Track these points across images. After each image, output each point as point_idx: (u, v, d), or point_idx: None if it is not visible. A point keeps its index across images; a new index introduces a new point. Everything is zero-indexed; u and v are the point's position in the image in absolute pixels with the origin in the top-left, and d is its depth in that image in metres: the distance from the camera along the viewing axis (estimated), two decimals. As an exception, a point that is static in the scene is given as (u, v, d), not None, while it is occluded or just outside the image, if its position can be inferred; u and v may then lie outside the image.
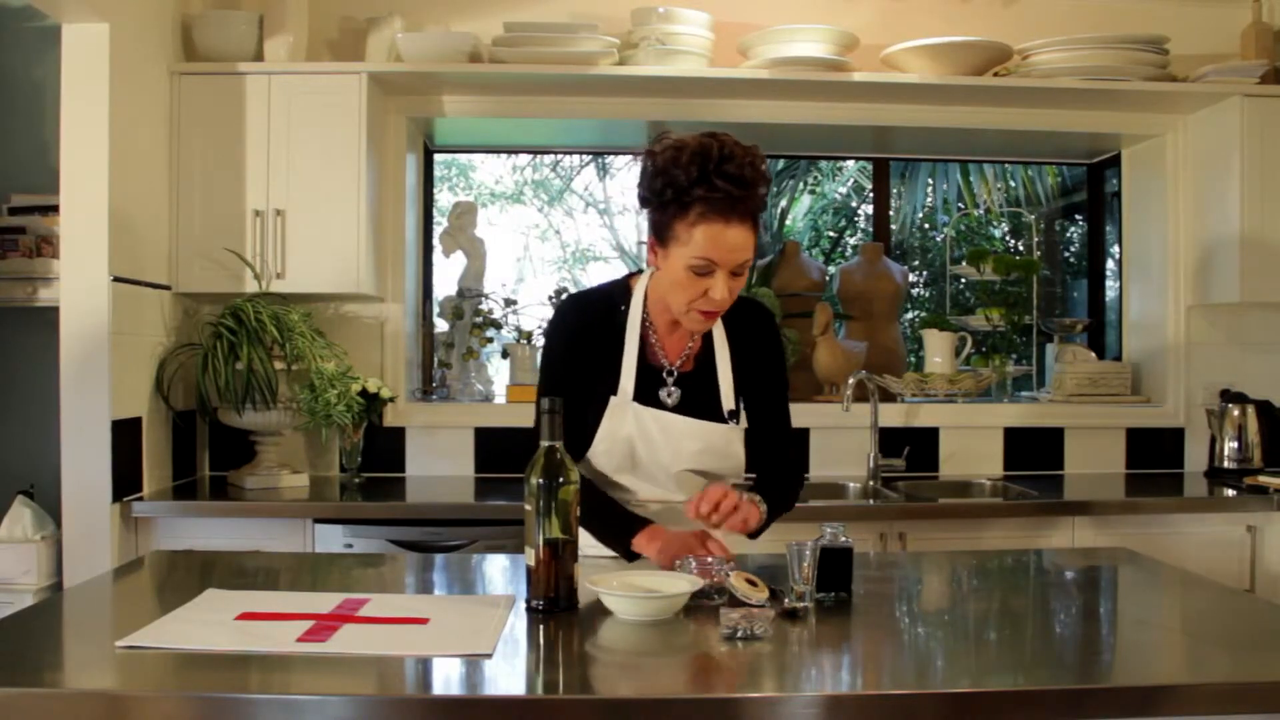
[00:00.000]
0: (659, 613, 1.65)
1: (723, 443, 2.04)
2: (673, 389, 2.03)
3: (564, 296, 2.16)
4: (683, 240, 1.85)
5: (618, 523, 2.00)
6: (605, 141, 4.15)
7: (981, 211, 6.90)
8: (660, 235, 1.90)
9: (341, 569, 2.19)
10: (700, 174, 1.80)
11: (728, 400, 2.05)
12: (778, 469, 2.11)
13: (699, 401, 2.04)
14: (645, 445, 2.02)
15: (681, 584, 1.71)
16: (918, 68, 3.36)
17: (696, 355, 2.07)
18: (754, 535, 1.99)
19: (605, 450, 2.03)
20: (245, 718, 1.32)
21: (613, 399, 2.01)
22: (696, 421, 2.02)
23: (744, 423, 2.10)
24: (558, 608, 1.68)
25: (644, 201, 1.91)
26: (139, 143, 3.04)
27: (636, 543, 1.95)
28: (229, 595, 1.77)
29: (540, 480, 1.67)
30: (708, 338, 2.07)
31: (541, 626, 1.64)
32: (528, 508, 1.69)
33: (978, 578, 2.14)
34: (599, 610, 1.69)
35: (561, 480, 1.68)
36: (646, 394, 2.03)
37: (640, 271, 2.10)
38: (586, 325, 2.05)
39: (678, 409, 2.02)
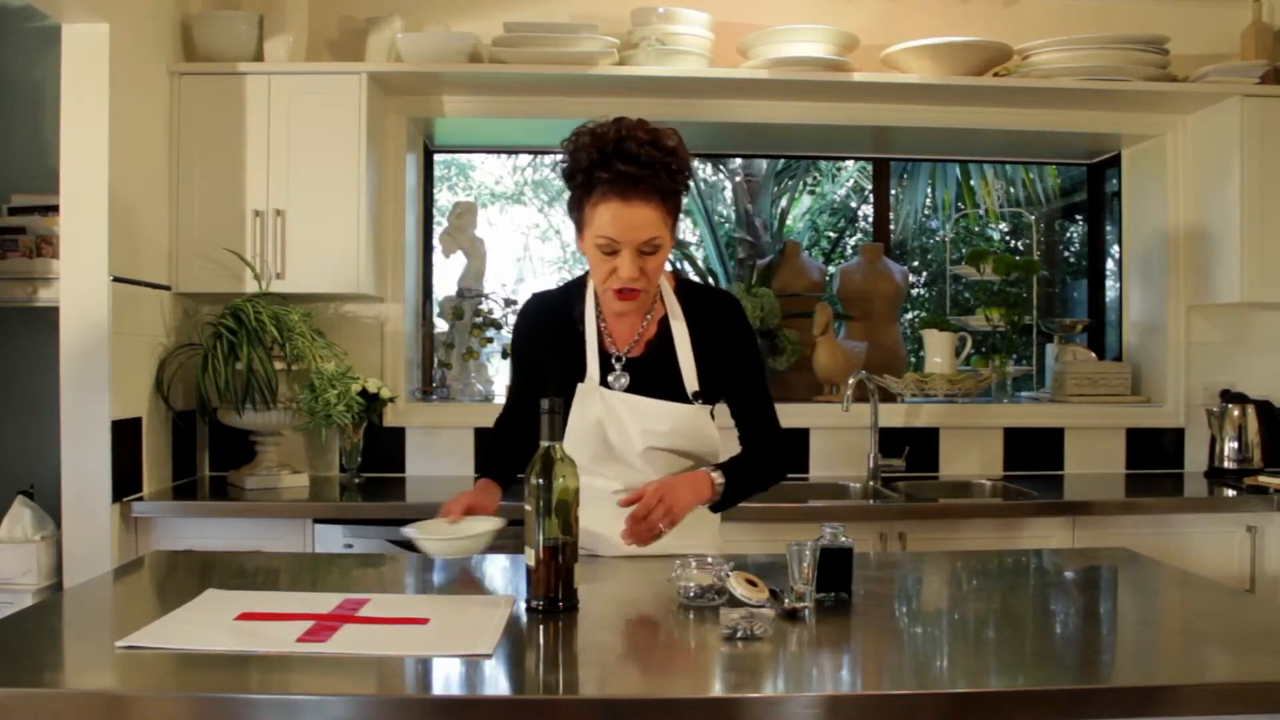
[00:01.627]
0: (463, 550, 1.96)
1: (691, 423, 2.06)
2: (621, 374, 2.07)
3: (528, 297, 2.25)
4: (589, 221, 1.94)
5: (483, 465, 2.28)
6: (605, 142, 4.14)
7: (981, 212, 6.89)
8: (575, 219, 1.99)
9: (341, 569, 2.19)
10: (600, 156, 1.89)
11: (690, 383, 2.07)
12: (754, 448, 2.13)
13: (653, 385, 2.06)
14: (615, 428, 2.05)
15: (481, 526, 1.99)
16: (918, 68, 3.36)
17: (649, 340, 2.09)
18: (715, 508, 2.08)
19: (579, 439, 2.06)
20: (245, 718, 1.32)
21: (580, 385, 2.06)
22: (662, 402, 2.05)
23: (714, 406, 2.14)
24: (558, 608, 1.68)
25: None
26: (139, 143, 3.04)
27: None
28: (229, 595, 1.77)
29: (540, 480, 1.67)
30: (664, 323, 2.10)
31: (541, 626, 1.64)
32: (528, 508, 1.69)
33: (978, 578, 2.14)
34: (599, 610, 1.69)
35: (561, 480, 1.68)
36: (600, 380, 2.07)
37: None
38: (547, 317, 2.14)
39: (629, 393, 2.06)
